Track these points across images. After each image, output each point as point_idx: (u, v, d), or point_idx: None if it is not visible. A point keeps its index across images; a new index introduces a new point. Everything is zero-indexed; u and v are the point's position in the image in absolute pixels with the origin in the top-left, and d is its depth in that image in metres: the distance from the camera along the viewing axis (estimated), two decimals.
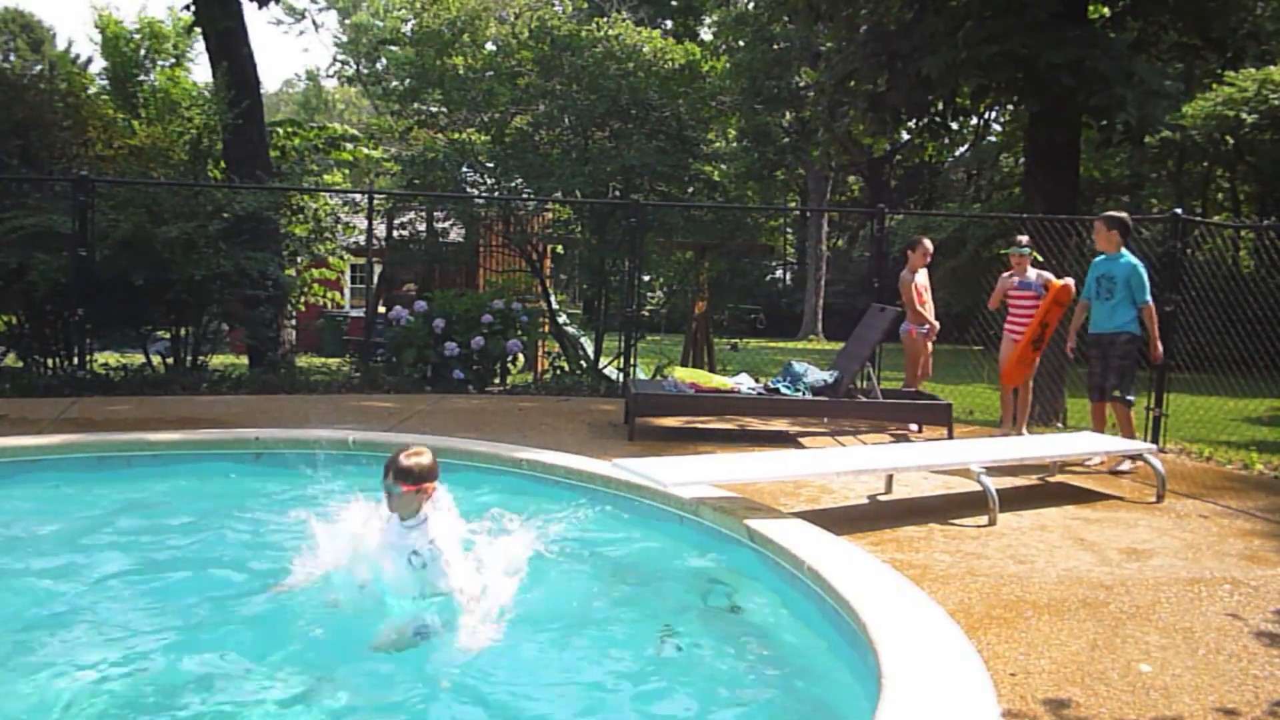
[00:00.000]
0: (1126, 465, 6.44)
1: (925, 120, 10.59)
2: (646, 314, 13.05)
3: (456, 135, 12.85)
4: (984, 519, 4.99)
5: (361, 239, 11.36)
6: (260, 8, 11.71)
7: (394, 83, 15.20)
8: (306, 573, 3.91)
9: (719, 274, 13.55)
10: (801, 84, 28.02)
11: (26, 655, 3.42)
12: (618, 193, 12.02)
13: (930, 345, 8.33)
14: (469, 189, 12.75)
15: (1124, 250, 6.52)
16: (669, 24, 31.18)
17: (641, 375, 10.33)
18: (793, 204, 33.94)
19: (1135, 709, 2.87)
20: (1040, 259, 7.69)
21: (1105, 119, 9.27)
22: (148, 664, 3.40)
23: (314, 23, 60.70)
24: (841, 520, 4.85)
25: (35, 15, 49.06)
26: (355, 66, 42.96)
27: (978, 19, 8.77)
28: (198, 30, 11.85)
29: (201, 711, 3.07)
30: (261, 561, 4.46)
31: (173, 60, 13.81)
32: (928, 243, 8.21)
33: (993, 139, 30.77)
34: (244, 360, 11.30)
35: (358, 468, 5.83)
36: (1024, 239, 7.68)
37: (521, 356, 10.53)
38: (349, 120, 41.78)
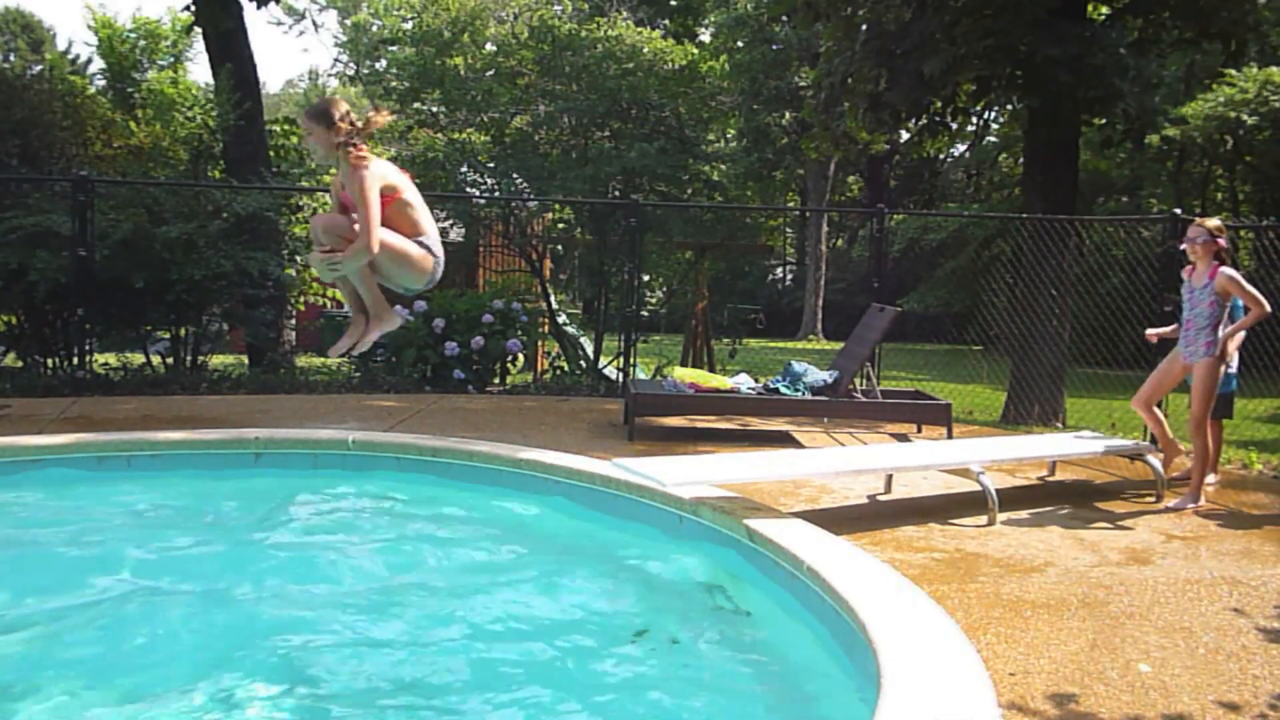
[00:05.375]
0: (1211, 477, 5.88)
1: (925, 120, 10.60)
2: (646, 314, 13.06)
3: (456, 135, 12.85)
4: (984, 519, 4.99)
5: None
6: (260, 8, 11.70)
7: (394, 83, 15.18)
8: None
9: (719, 274, 13.56)
10: (801, 84, 28.02)
11: (26, 655, 3.42)
12: (617, 193, 12.03)
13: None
14: (469, 189, 12.75)
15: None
16: (667, 23, 31.18)
17: (641, 375, 10.33)
18: (793, 204, 33.94)
19: (1135, 708, 2.87)
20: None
21: (1105, 113, 9.25)
22: (148, 663, 3.40)
23: (314, 23, 60.68)
24: (841, 520, 4.85)
25: (35, 15, 49.00)
26: (355, 67, 42.93)
27: (976, 16, 8.78)
28: (196, 30, 11.85)
29: (201, 711, 3.07)
30: (261, 561, 4.47)
31: (170, 60, 13.80)
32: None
33: (993, 139, 30.83)
34: (244, 360, 11.30)
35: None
36: None
37: (521, 356, 10.54)
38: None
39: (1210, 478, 5.90)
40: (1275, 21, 10.21)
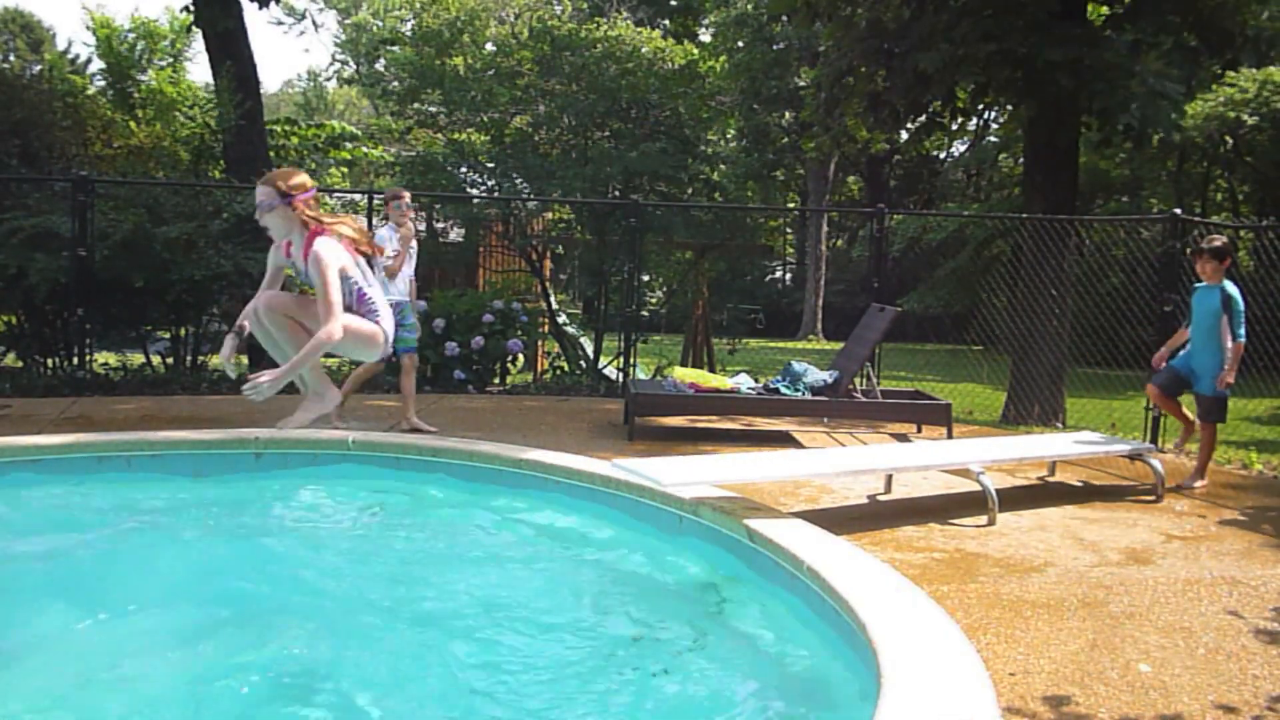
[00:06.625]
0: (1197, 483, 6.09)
1: (924, 119, 10.60)
2: (646, 314, 13.07)
3: (456, 135, 12.85)
4: (984, 519, 4.99)
5: None
6: (261, 8, 11.71)
7: (393, 83, 15.19)
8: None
9: (719, 274, 13.56)
10: (801, 84, 28.03)
11: (24, 654, 3.42)
12: (617, 193, 12.03)
13: None
14: (469, 189, 12.76)
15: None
16: (667, 23, 31.20)
17: (641, 375, 10.33)
18: (793, 204, 33.95)
19: (1134, 708, 2.87)
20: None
21: (1107, 121, 9.25)
22: (147, 662, 3.40)
23: (314, 23, 60.61)
24: (841, 520, 4.86)
25: (35, 15, 49.01)
26: (355, 67, 42.96)
27: (976, 16, 8.78)
28: (196, 30, 11.85)
29: (199, 710, 3.07)
30: (262, 562, 4.47)
31: (170, 60, 13.78)
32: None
33: (993, 139, 30.82)
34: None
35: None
36: None
37: (521, 356, 10.54)
38: (349, 120, 41.81)
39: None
40: (1275, 34, 10.16)
